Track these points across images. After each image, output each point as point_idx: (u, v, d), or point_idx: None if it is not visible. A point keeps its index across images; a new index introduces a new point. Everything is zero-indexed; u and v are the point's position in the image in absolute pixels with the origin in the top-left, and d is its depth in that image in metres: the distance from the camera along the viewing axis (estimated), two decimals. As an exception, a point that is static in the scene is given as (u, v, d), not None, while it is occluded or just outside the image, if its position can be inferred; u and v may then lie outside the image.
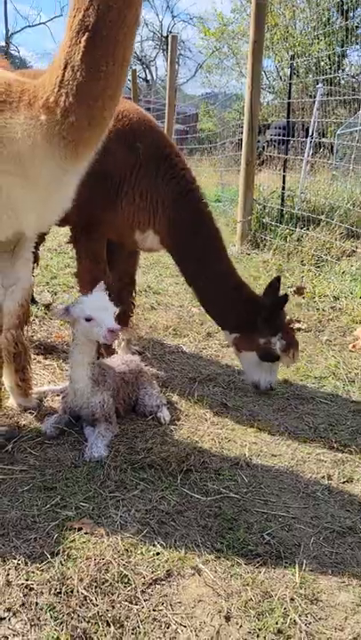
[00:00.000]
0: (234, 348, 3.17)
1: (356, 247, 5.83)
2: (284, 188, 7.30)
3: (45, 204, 2.27)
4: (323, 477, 2.47)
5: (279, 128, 10.82)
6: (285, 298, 3.01)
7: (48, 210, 2.31)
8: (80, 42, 1.93)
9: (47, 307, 4.22)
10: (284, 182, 7.36)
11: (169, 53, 10.41)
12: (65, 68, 1.98)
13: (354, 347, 3.93)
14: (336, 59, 14.33)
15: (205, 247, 3.01)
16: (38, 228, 2.43)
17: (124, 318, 3.50)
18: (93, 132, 2.09)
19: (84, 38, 1.93)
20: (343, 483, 2.44)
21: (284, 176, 7.42)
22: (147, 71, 36.02)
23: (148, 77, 36.09)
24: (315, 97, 8.71)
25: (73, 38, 1.95)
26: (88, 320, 2.46)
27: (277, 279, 3.05)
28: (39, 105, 2.04)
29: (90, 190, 2.63)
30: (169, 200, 2.96)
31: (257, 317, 3.01)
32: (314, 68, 12.05)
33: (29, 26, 40.48)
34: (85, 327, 2.48)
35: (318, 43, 13.21)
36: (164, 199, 2.96)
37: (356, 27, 16.49)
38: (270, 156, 9.04)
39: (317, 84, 8.96)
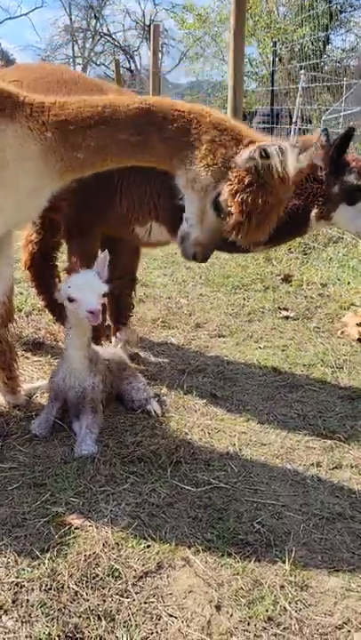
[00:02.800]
0: (324, 222, 2.81)
1: (343, 233, 5.82)
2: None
3: (15, 211, 2.26)
4: (312, 464, 2.48)
5: (265, 115, 10.78)
6: (349, 133, 2.66)
7: (15, 217, 2.31)
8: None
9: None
10: (270, 170, 7.31)
11: (151, 42, 10.30)
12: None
13: (342, 333, 3.94)
14: (320, 45, 14.28)
15: None
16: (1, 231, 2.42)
17: (122, 318, 3.48)
18: (89, 169, 2.21)
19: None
20: (332, 469, 2.46)
21: (269, 164, 7.36)
22: (130, 61, 35.70)
23: (132, 67, 35.77)
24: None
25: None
26: (71, 301, 2.42)
27: (349, 131, 2.69)
28: (50, 121, 2.07)
29: (87, 191, 2.59)
30: (167, 188, 2.90)
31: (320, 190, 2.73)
32: (299, 53, 11.99)
33: (10, 18, 39.86)
34: (69, 308, 2.46)
35: (302, 28, 13.15)
36: (164, 188, 2.90)
37: (340, 11, 16.42)
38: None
39: (300, 69, 8.92)
